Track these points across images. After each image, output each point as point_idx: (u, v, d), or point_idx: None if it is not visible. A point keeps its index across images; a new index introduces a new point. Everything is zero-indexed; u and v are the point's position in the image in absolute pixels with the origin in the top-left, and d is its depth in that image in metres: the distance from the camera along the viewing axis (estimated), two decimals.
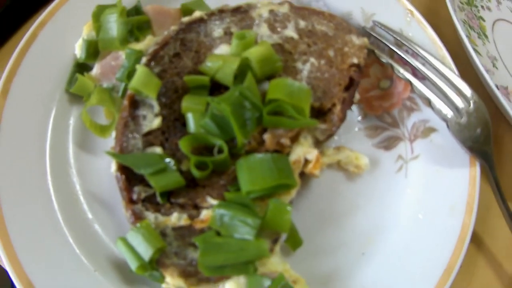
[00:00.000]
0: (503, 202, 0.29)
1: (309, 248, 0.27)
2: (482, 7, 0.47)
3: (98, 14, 0.30)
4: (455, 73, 0.32)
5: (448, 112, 0.29)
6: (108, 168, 0.27)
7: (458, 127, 0.29)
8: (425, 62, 0.31)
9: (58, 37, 0.33)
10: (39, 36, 0.32)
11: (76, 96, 0.31)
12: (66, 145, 0.29)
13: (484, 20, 0.46)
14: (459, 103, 0.30)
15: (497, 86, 0.40)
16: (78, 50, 0.32)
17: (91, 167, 0.29)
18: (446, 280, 0.28)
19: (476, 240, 0.33)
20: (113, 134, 0.28)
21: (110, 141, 0.28)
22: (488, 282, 0.33)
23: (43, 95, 0.31)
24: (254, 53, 0.26)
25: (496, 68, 0.42)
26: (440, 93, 0.31)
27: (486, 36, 0.44)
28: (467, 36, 0.40)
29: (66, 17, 0.33)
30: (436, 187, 0.30)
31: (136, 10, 0.31)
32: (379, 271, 0.28)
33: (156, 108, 0.26)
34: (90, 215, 0.27)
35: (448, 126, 0.29)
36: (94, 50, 0.31)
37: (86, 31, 0.32)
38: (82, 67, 0.32)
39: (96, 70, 0.31)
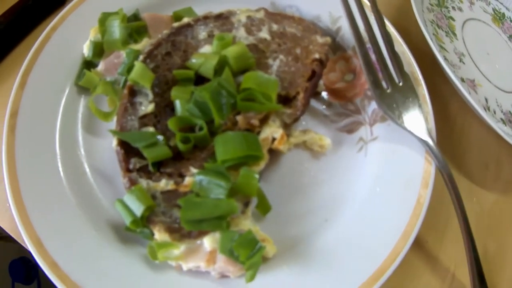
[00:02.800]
0: (450, 179, 0.36)
1: (278, 215, 0.34)
2: (453, 7, 0.55)
3: (103, 20, 0.39)
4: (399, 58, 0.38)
5: (378, 84, 0.36)
6: (110, 147, 0.36)
7: (383, 97, 0.36)
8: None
9: (68, 38, 0.41)
10: (52, 37, 0.41)
11: (84, 88, 0.40)
12: (75, 128, 0.38)
13: (454, 20, 0.54)
14: (392, 77, 0.37)
15: (463, 79, 0.48)
16: (86, 50, 0.40)
17: (96, 147, 0.37)
18: (402, 246, 0.34)
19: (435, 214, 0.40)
20: (115, 118, 0.37)
21: (111, 124, 0.37)
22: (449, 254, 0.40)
23: (55, 87, 0.39)
24: (230, 51, 0.35)
25: (463, 63, 0.50)
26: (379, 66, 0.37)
27: (454, 34, 0.52)
28: (433, 34, 0.49)
29: (75, 22, 0.42)
30: (393, 164, 0.37)
31: (135, 17, 0.40)
32: (340, 236, 0.34)
33: (150, 96, 0.34)
34: (94, 186, 0.36)
35: (375, 96, 0.36)
36: (99, 50, 0.39)
37: (93, 34, 0.41)
38: (89, 64, 0.41)
39: (101, 66, 0.40)
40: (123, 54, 0.38)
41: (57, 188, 0.34)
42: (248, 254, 0.28)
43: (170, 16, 0.40)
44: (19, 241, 0.36)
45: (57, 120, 0.38)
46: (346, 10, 0.36)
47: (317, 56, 0.36)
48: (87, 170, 0.36)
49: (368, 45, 0.37)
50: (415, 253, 0.39)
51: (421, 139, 0.37)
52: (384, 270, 0.32)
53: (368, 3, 0.38)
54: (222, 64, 0.34)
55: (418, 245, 0.39)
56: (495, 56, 0.53)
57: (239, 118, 0.33)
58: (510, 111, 0.50)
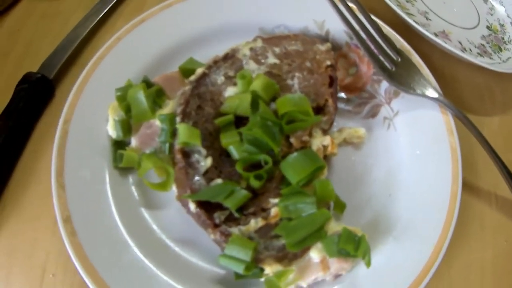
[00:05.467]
0: (465, 118, 0.47)
1: (349, 208, 0.42)
2: None
3: (123, 96, 0.44)
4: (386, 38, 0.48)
5: (383, 67, 0.46)
6: (174, 213, 0.43)
7: (391, 76, 0.46)
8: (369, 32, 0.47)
9: (86, 126, 0.46)
10: (70, 132, 0.45)
11: (122, 169, 0.45)
12: (136, 210, 0.43)
13: None
14: (391, 57, 0.47)
15: (436, 34, 0.60)
16: (112, 131, 0.45)
17: (163, 218, 0.43)
18: (456, 189, 0.43)
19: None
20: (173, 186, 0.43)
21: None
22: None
23: (97, 177, 0.44)
24: (256, 85, 0.42)
25: (430, 19, 0.62)
26: (378, 52, 0.47)
27: None
28: (398, 5, 0.60)
29: (89, 106, 0.46)
30: (419, 127, 0.47)
31: (147, 83, 0.46)
32: (404, 204, 0.43)
33: (203, 151, 0.41)
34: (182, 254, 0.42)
35: (385, 77, 0.46)
36: (127, 126, 0.45)
37: (112, 113, 0.46)
38: (118, 144, 0.47)
39: (135, 142, 0.45)
40: (154, 123, 0.44)
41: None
42: (354, 246, 0.36)
43: (177, 72, 0.47)
44: None
45: (112, 209, 0.43)
46: (340, 15, 0.46)
47: (328, 62, 0.44)
48: (168, 242, 0.42)
49: (364, 36, 0.46)
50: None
51: (432, 97, 0.47)
52: (451, 217, 0.42)
53: (352, 4, 0.47)
54: (254, 99, 0.42)
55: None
56: (450, 1, 0.66)
57: (293, 140, 0.40)
58: (481, 43, 0.63)
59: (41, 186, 0.49)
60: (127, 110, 0.45)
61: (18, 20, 0.65)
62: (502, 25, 0.68)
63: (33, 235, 0.47)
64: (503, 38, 0.66)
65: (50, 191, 0.47)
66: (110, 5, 0.61)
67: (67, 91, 0.56)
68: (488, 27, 0.67)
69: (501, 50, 0.64)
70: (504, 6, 0.71)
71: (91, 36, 0.60)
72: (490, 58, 0.61)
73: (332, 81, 0.45)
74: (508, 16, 0.70)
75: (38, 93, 0.53)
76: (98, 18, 0.59)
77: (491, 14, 0.69)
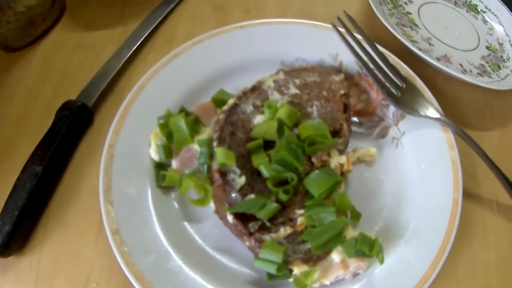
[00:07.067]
0: (464, 134, 0.57)
1: (364, 217, 0.52)
2: (405, 3, 0.78)
3: (165, 124, 0.55)
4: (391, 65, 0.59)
5: (390, 93, 0.57)
6: (213, 225, 0.53)
7: (397, 101, 0.57)
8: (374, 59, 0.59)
9: (130, 151, 0.56)
10: (114, 159, 0.56)
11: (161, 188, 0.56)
12: (179, 225, 0.54)
13: (410, 14, 0.76)
14: (397, 84, 0.58)
15: (438, 58, 0.71)
16: (155, 154, 0.55)
17: (205, 230, 0.54)
18: (457, 196, 0.52)
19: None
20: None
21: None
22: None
23: (140, 192, 0.54)
24: (282, 114, 0.53)
25: (433, 45, 0.73)
26: (385, 80, 0.58)
27: (416, 25, 0.75)
28: (403, 34, 0.71)
29: (132, 133, 0.57)
30: (423, 144, 0.56)
31: (185, 112, 0.57)
32: (412, 212, 0.53)
33: (238, 171, 0.51)
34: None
35: (392, 102, 0.57)
36: (168, 150, 0.55)
37: (155, 139, 0.56)
38: (159, 166, 0.57)
39: (176, 164, 0.55)
40: (192, 147, 0.54)
41: None
42: (369, 247, 0.47)
43: (210, 102, 0.58)
44: None
45: (155, 221, 0.54)
46: (349, 48, 0.57)
47: (342, 91, 0.55)
48: (207, 250, 0.53)
49: (372, 66, 0.57)
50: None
51: (434, 117, 0.58)
52: (453, 220, 0.51)
53: (361, 37, 0.59)
54: (279, 126, 0.52)
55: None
56: (452, 26, 0.77)
57: (314, 159, 0.51)
58: (481, 64, 0.74)
59: (83, 204, 0.58)
60: (169, 135, 0.55)
61: (52, 49, 0.76)
62: (501, 44, 0.79)
63: (76, 248, 0.55)
64: (502, 57, 0.77)
65: (91, 209, 0.57)
66: (142, 38, 0.72)
67: (105, 118, 0.67)
68: (487, 47, 0.77)
69: (500, 68, 0.75)
70: (502, 26, 0.81)
71: (125, 67, 0.71)
72: (490, 77, 0.72)
73: (346, 108, 0.55)
74: (506, 35, 0.81)
75: (79, 119, 0.64)
76: (132, 51, 0.71)
77: (491, 35, 0.80)
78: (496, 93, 0.72)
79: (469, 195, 0.60)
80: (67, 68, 0.73)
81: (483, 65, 0.73)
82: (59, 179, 0.61)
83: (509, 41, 0.80)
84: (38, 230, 0.57)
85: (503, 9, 0.82)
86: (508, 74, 0.74)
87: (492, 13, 0.83)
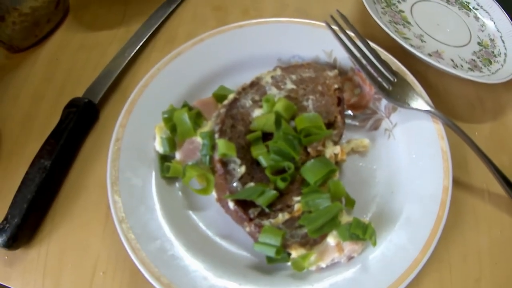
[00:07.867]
0: (453, 125, 0.62)
1: (358, 205, 0.57)
2: (398, 1, 0.83)
3: (169, 118, 0.59)
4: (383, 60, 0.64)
5: (382, 87, 0.61)
6: (215, 213, 0.58)
7: (389, 94, 0.61)
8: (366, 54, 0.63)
9: (136, 143, 0.60)
10: (121, 156, 0.61)
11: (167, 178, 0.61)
12: (182, 213, 0.58)
13: (403, 12, 0.81)
14: (388, 78, 0.62)
15: (430, 54, 0.75)
16: (159, 147, 0.59)
17: (208, 217, 0.58)
18: (447, 183, 0.55)
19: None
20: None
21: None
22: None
23: (145, 181, 0.59)
24: (279, 107, 0.57)
25: (425, 41, 0.77)
26: (377, 75, 0.62)
27: (408, 23, 0.79)
28: (396, 31, 0.75)
29: (137, 126, 0.61)
30: (414, 135, 0.60)
31: (188, 107, 0.62)
32: (404, 199, 0.57)
33: (238, 161, 0.55)
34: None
35: (384, 96, 0.61)
36: (172, 143, 0.60)
37: (159, 132, 0.61)
38: (164, 158, 0.62)
39: (179, 156, 0.60)
40: (195, 139, 0.59)
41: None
42: (363, 230, 0.51)
43: (211, 98, 0.62)
44: None
45: (159, 210, 0.58)
46: (343, 45, 0.61)
47: (336, 86, 0.60)
48: (210, 235, 0.57)
49: (364, 62, 0.62)
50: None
51: (425, 110, 0.62)
52: (444, 206, 0.55)
53: (353, 34, 0.63)
54: (277, 119, 0.57)
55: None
56: (444, 23, 0.81)
57: (309, 149, 0.55)
58: (472, 59, 0.78)
59: (90, 196, 0.62)
60: (172, 129, 0.60)
61: (57, 50, 0.80)
62: (492, 40, 0.83)
63: (83, 240, 0.58)
64: (493, 52, 0.81)
65: (98, 201, 0.61)
66: (145, 38, 0.77)
67: (110, 114, 0.72)
68: (479, 43, 0.82)
69: (491, 63, 0.79)
70: (494, 22, 0.86)
71: (129, 66, 0.75)
72: (480, 71, 0.76)
73: (340, 101, 0.60)
74: (498, 31, 0.85)
75: (85, 116, 0.68)
76: (135, 50, 0.75)
77: (482, 31, 0.84)
78: (487, 87, 0.76)
79: (460, 184, 0.64)
80: (71, 68, 0.77)
81: (474, 60, 0.78)
82: (66, 173, 0.65)
83: (501, 36, 0.84)
84: (46, 222, 0.61)
85: (495, 5, 0.86)
86: (499, 69, 0.78)
87: (484, 10, 0.87)
